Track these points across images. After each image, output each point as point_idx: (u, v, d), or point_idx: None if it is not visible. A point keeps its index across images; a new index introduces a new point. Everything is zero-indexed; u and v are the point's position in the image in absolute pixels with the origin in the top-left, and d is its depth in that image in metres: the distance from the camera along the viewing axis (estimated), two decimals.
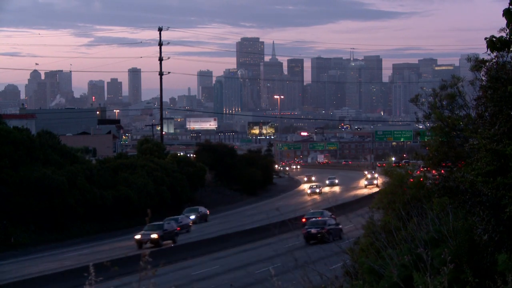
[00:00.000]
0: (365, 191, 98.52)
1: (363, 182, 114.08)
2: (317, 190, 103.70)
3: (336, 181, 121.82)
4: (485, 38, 13.29)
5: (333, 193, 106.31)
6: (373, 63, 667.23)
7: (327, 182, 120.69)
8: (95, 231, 73.85)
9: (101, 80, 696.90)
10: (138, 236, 57.72)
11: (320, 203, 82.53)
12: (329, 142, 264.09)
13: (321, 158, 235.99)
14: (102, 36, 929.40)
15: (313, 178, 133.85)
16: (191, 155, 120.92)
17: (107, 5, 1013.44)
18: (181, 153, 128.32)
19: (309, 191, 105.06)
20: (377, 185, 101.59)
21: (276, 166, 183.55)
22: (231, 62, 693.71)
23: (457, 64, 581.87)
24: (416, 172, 29.99)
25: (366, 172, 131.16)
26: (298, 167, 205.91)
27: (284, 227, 65.50)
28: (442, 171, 23.44)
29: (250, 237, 58.66)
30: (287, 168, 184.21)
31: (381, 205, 28.73)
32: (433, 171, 25.64)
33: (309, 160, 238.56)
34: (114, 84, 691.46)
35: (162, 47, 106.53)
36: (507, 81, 14.54)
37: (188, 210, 79.16)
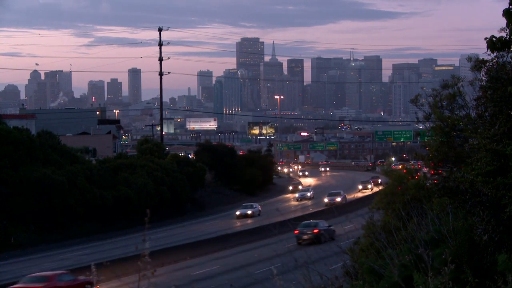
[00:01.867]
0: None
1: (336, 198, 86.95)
2: (249, 212, 79.43)
3: (309, 194, 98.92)
4: (485, 38, 13.30)
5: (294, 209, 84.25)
6: (373, 63, 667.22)
7: (296, 195, 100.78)
8: (95, 231, 73.85)
9: (101, 80, 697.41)
10: None
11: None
12: (329, 142, 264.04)
13: (302, 159, 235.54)
14: (102, 36, 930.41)
15: (300, 187, 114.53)
16: (191, 155, 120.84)
17: (107, 5, 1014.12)
18: (181, 153, 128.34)
19: (238, 213, 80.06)
20: (340, 203, 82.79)
21: (283, 168, 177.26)
22: (231, 62, 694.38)
23: (457, 64, 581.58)
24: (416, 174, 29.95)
25: (360, 186, 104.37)
26: (327, 169, 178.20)
27: (285, 227, 65.52)
28: (440, 171, 23.45)
29: (250, 237, 58.66)
30: (300, 173, 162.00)
31: (381, 205, 28.73)
32: (432, 172, 25.65)
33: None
34: (114, 84, 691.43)
35: (162, 47, 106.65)
36: (507, 81, 14.54)
37: None
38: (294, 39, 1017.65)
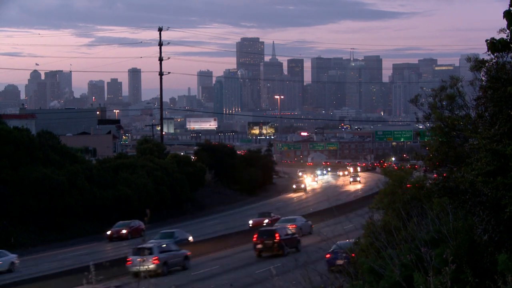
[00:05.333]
0: None
1: None
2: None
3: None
4: (486, 40, 13.32)
5: None
6: (373, 63, 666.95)
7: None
8: (95, 231, 73.85)
9: (101, 80, 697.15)
10: None
11: None
12: (329, 142, 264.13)
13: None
14: (102, 36, 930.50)
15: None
16: (191, 155, 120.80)
17: (108, 5, 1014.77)
18: (181, 153, 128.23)
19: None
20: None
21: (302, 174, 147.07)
22: (231, 62, 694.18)
23: (457, 64, 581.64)
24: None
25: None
26: (358, 179, 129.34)
27: None
28: (436, 176, 23.47)
29: (250, 237, 58.61)
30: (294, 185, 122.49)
31: (381, 205, 28.73)
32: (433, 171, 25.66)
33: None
34: (114, 84, 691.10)
35: (162, 47, 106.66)
36: (507, 81, 14.55)
37: None
38: (294, 39, 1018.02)
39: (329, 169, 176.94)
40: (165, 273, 43.55)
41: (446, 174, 21.17)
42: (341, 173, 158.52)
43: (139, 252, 44.01)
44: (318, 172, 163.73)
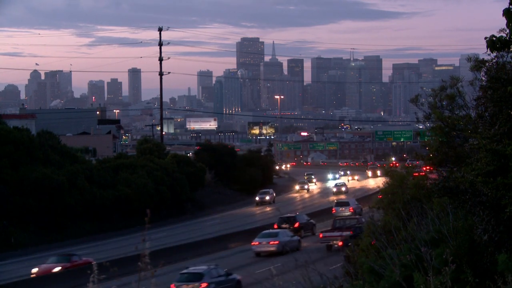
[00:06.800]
0: None
1: None
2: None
3: None
4: (485, 38, 13.32)
5: None
6: (373, 63, 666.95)
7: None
8: (94, 231, 73.84)
9: (101, 80, 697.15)
10: None
11: None
12: (329, 142, 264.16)
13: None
14: (103, 36, 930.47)
15: None
16: (191, 155, 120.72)
17: (114, 5, 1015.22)
18: (181, 153, 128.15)
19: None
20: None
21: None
22: (231, 62, 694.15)
23: (457, 64, 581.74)
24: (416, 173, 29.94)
25: None
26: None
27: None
28: (435, 174, 23.49)
29: (250, 237, 58.66)
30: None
31: (381, 205, 28.74)
32: (431, 168, 25.65)
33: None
34: (114, 84, 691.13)
35: (162, 47, 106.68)
36: (507, 81, 14.55)
37: None
38: (294, 39, 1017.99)
39: (348, 171, 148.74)
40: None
41: (446, 174, 21.17)
42: (350, 178, 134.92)
43: (340, 204, 72.45)
44: (330, 176, 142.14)
